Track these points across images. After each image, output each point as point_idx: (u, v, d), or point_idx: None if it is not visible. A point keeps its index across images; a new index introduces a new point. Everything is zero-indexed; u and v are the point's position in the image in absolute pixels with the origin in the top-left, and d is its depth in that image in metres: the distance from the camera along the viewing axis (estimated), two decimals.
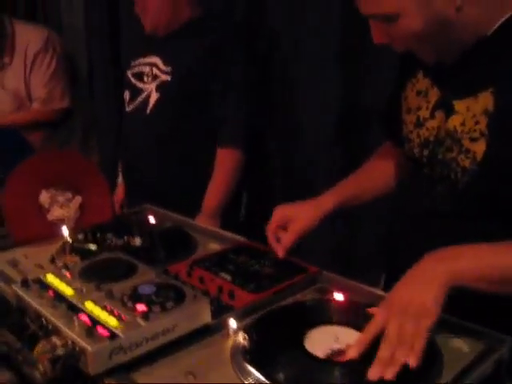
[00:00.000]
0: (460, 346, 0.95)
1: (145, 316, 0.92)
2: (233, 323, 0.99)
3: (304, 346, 0.93)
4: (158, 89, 1.98)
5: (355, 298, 1.09)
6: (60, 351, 0.87)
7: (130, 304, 0.96)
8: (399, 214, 1.28)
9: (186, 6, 2.00)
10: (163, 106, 1.98)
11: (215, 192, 1.96)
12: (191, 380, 0.88)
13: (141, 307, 0.95)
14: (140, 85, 2.04)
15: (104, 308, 0.95)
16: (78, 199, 1.53)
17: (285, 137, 2.23)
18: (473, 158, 1.03)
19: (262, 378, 0.86)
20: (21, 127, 2.57)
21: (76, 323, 0.91)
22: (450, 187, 1.09)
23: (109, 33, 2.81)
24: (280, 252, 1.26)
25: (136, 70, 2.08)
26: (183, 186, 2.00)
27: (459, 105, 1.05)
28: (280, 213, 1.31)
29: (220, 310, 1.04)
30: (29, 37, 2.60)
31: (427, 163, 1.14)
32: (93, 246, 1.33)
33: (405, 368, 0.85)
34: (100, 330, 0.89)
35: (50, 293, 1.01)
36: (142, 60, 2.07)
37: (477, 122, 1.02)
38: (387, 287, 1.04)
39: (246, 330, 0.98)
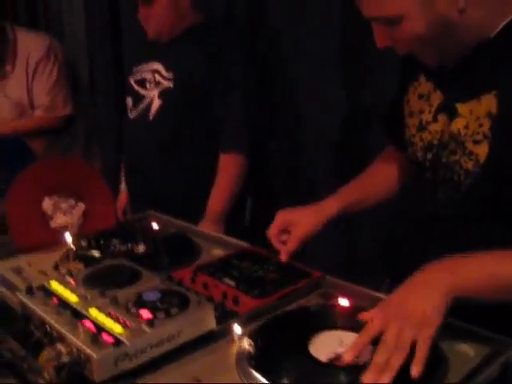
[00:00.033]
0: (466, 350, 0.95)
1: (150, 322, 0.92)
2: (237, 329, 0.99)
3: (309, 351, 0.92)
4: (160, 95, 1.98)
5: (358, 303, 1.08)
6: (65, 358, 0.88)
7: (134, 310, 0.96)
8: (402, 218, 1.27)
9: (189, 12, 2.00)
10: (165, 113, 1.98)
11: (218, 198, 1.96)
12: None
13: (145, 314, 0.95)
14: (142, 91, 2.04)
15: (108, 315, 0.95)
16: (81, 206, 1.53)
17: (285, 137, 2.22)
18: (476, 161, 1.03)
19: None
20: (23, 134, 2.57)
21: (81, 330, 0.91)
22: (452, 190, 1.08)
23: (110, 38, 2.81)
24: (283, 257, 1.26)
25: (138, 76, 2.08)
26: (186, 191, 2.00)
27: (462, 108, 1.05)
28: (282, 217, 1.31)
29: (224, 316, 1.04)
30: (30, 44, 2.61)
31: (430, 166, 1.14)
32: (96, 253, 1.33)
33: (408, 374, 0.84)
34: (105, 336, 0.89)
35: (55, 300, 1.01)
36: (144, 66, 2.07)
37: (480, 125, 1.02)
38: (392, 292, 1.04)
39: (250, 335, 0.98)
